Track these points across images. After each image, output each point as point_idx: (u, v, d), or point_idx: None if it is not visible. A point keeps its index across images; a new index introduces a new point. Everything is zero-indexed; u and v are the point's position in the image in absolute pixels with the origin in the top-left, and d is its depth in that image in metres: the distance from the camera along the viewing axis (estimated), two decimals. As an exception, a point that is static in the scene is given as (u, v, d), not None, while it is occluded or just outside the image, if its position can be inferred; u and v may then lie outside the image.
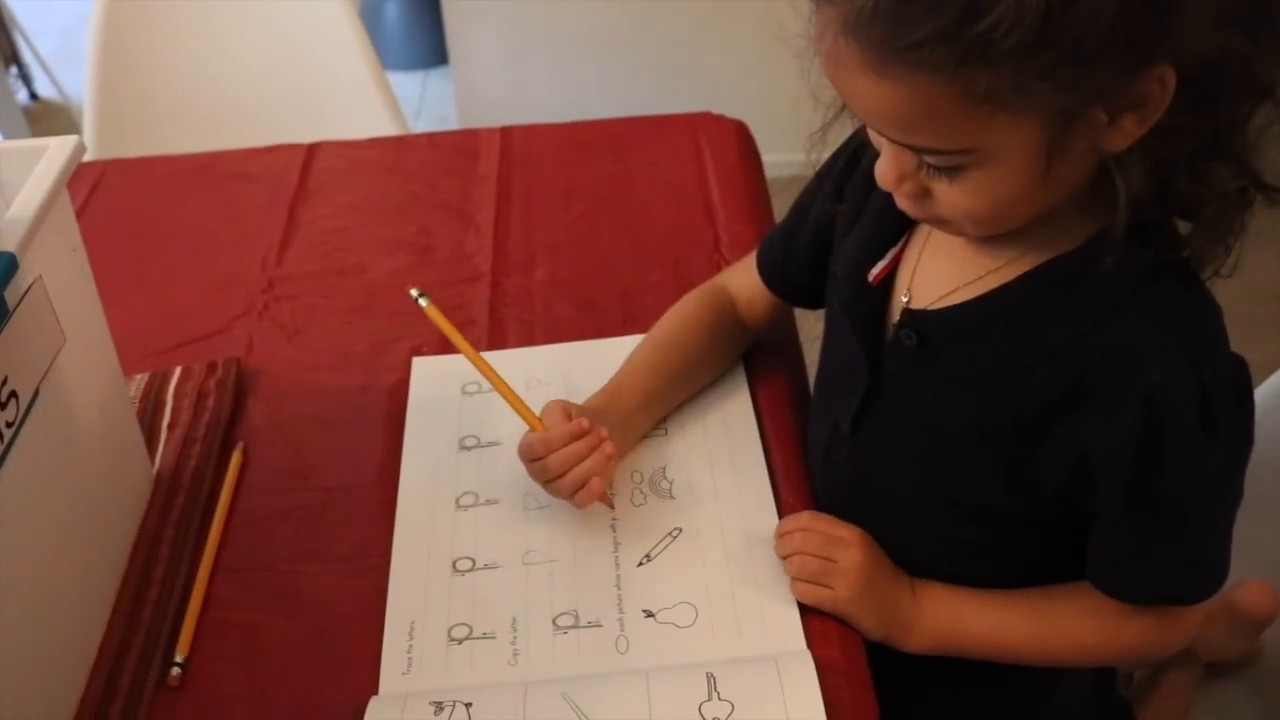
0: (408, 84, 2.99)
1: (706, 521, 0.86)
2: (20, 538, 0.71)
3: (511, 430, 0.89)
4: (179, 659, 0.79)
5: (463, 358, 0.88)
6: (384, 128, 1.68)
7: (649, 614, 0.80)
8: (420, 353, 1.04)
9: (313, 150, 1.35)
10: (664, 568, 0.83)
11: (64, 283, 0.78)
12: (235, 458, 0.94)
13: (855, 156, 0.82)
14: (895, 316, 0.78)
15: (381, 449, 0.95)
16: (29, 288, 0.71)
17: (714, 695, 0.72)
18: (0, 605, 0.69)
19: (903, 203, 0.70)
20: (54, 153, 0.78)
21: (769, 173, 1.31)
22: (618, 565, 0.84)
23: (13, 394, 0.69)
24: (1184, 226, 0.68)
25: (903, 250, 0.80)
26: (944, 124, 0.61)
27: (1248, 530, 0.75)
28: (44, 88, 3.02)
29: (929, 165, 0.65)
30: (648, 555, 0.84)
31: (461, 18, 2.45)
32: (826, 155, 0.83)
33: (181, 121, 1.71)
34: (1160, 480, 0.68)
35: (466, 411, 0.97)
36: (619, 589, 0.82)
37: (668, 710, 0.72)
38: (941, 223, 0.70)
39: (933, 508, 0.79)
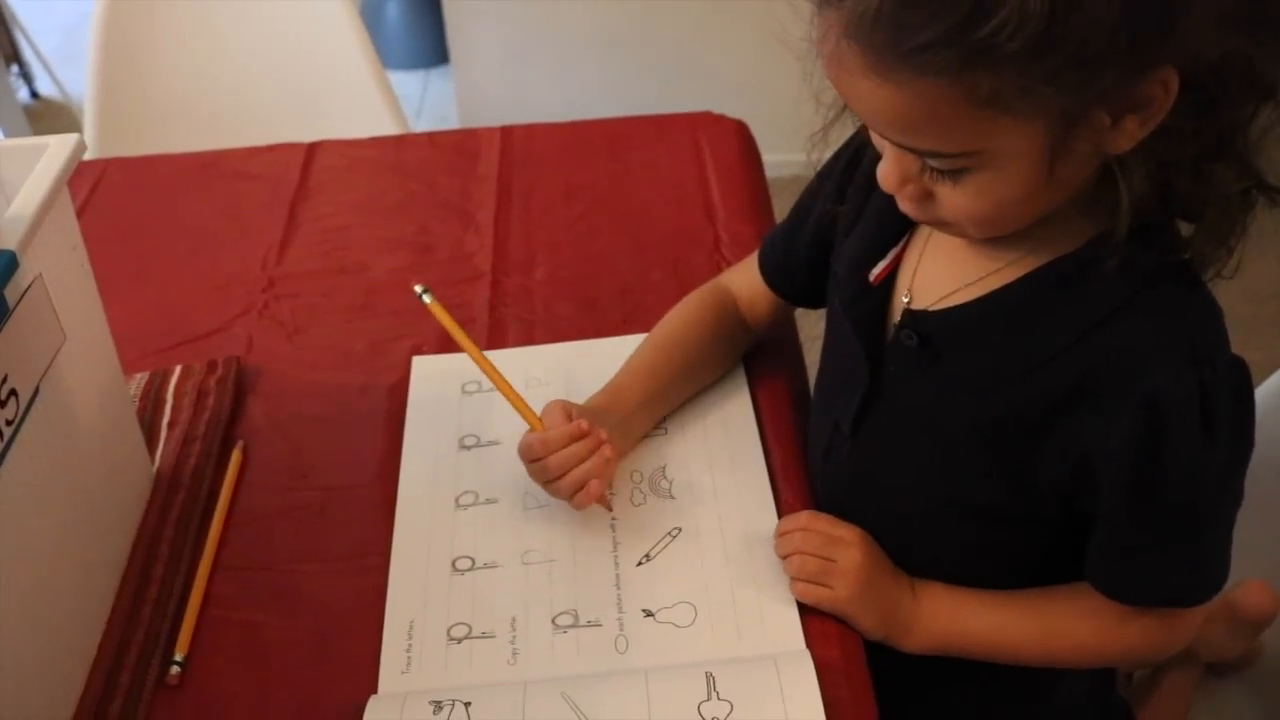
0: (408, 83, 2.99)
1: (706, 521, 0.86)
2: (20, 536, 0.71)
3: (511, 430, 0.89)
4: (178, 657, 0.79)
5: (463, 357, 0.88)
6: (385, 127, 1.68)
7: (648, 613, 0.80)
8: (420, 352, 1.04)
9: (313, 149, 1.35)
10: (663, 567, 0.83)
11: (64, 281, 0.78)
12: (235, 456, 0.94)
13: (856, 157, 0.82)
14: (896, 317, 0.78)
15: (381, 448, 0.95)
16: (29, 286, 0.71)
17: (713, 695, 0.72)
18: (0, 604, 0.69)
19: (905, 205, 0.70)
20: (54, 151, 0.78)
21: (769, 173, 1.31)
22: (617, 565, 0.84)
23: (12, 392, 0.69)
24: (1186, 228, 0.68)
25: (904, 250, 0.80)
26: (947, 127, 0.61)
27: (1248, 530, 0.75)
28: (45, 86, 3.02)
29: (932, 168, 0.65)
30: (647, 555, 0.84)
31: (462, 17, 2.45)
32: (827, 155, 0.83)
33: (182, 120, 1.71)
34: (1161, 482, 0.68)
35: (466, 411, 0.97)
36: (618, 588, 0.82)
37: (667, 710, 0.72)
38: (943, 225, 0.70)
39: (933, 508, 0.79)
